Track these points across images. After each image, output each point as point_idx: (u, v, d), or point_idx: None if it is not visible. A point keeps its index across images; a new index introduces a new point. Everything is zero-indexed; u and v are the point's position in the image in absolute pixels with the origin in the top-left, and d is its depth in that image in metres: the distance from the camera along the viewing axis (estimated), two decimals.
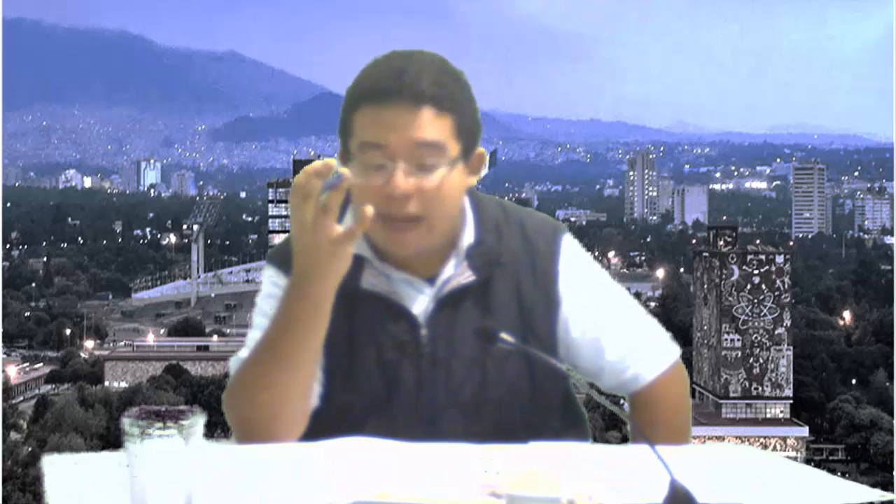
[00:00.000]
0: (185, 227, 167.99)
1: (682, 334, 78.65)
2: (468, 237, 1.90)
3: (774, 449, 66.39)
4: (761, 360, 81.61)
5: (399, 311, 1.88)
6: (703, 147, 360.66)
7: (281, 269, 1.88)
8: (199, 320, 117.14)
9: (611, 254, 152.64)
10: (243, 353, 1.85)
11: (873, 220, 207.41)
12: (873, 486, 1.54)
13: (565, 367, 1.91)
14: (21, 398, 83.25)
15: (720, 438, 63.85)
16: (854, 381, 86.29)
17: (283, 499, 1.45)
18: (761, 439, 72.35)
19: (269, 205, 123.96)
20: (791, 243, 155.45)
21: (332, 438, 1.68)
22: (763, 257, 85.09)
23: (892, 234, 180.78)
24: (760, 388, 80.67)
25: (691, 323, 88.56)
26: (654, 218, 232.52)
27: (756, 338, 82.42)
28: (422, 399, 1.87)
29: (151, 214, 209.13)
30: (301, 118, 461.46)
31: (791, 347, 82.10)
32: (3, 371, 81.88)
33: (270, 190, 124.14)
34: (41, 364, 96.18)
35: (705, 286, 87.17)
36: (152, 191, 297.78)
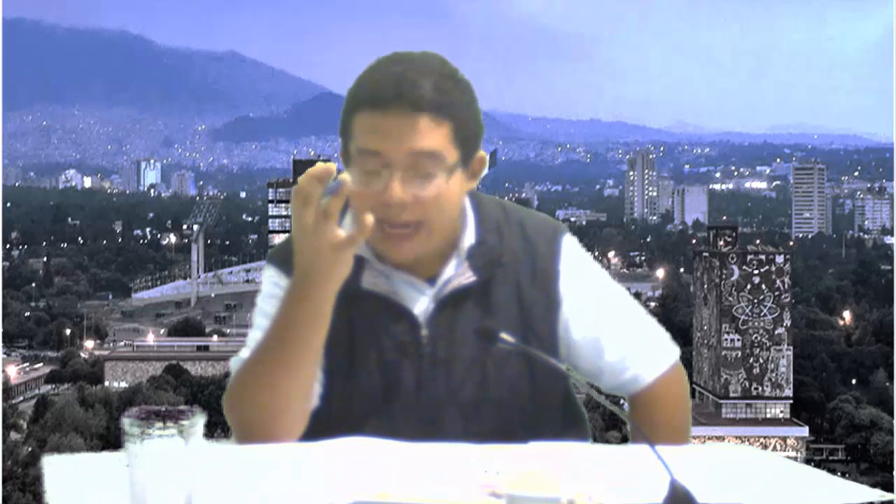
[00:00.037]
0: (185, 227, 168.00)
1: (682, 334, 78.66)
2: (469, 238, 1.90)
3: (774, 449, 66.40)
4: (761, 360, 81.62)
5: (399, 312, 1.88)
6: (703, 147, 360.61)
7: (282, 270, 1.88)
8: (199, 320, 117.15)
9: (611, 254, 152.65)
10: (244, 353, 1.85)
11: (873, 220, 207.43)
12: (873, 486, 1.54)
13: (565, 368, 1.91)
14: (21, 398, 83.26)
15: (720, 438, 63.86)
16: (854, 381, 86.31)
17: (283, 499, 1.45)
18: (761, 439, 72.36)
19: (269, 205, 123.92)
20: (791, 243, 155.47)
21: (332, 438, 1.68)
22: (763, 257, 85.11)
23: (892, 234, 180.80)
24: (760, 388, 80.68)
25: (691, 323, 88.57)
26: (654, 218, 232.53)
27: (756, 338, 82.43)
28: (422, 399, 1.87)
29: (151, 214, 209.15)
30: (301, 118, 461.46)
31: (791, 347, 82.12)
32: (3, 371, 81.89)
33: (270, 190, 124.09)
34: (41, 364, 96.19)
35: (705, 286, 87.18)
36: (152, 191, 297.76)
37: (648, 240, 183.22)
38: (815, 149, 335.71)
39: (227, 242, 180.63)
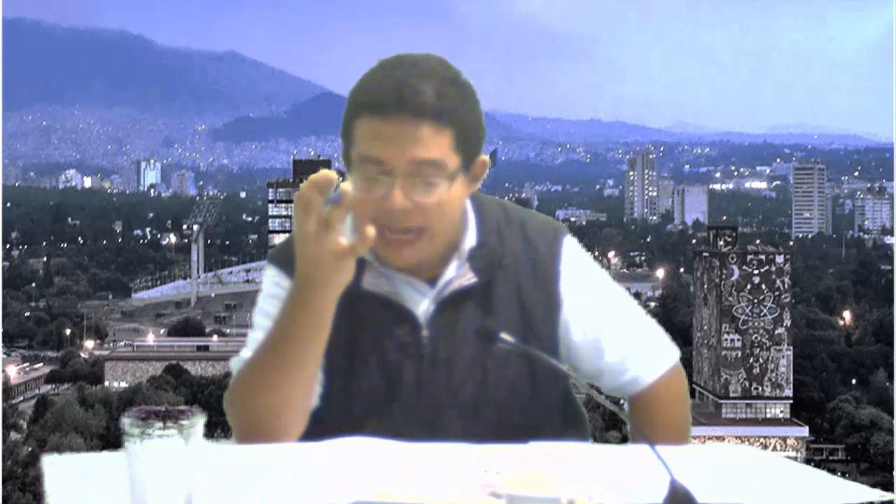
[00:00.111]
0: (185, 227, 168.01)
1: (682, 334, 78.69)
2: (470, 240, 1.90)
3: (774, 449, 66.39)
4: (761, 360, 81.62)
5: (400, 313, 1.88)
6: (703, 147, 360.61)
7: (282, 270, 1.88)
8: (199, 320, 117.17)
9: (611, 254, 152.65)
10: (245, 353, 1.85)
11: (873, 220, 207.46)
12: (873, 486, 1.54)
13: (566, 368, 1.90)
14: (21, 398, 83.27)
15: (720, 438, 63.85)
16: (854, 381, 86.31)
17: (283, 499, 1.45)
18: (761, 439, 72.35)
19: (269, 205, 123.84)
20: (791, 243, 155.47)
21: (332, 438, 1.69)
22: (763, 257, 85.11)
23: (892, 234, 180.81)
24: (760, 388, 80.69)
25: (691, 323, 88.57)
26: (654, 218, 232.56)
27: (756, 338, 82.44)
28: (422, 399, 1.87)
29: (151, 214, 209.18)
30: (301, 118, 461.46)
31: (791, 347, 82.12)
32: (3, 371, 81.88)
33: (270, 190, 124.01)
34: (41, 364, 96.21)
35: (705, 286, 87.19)
36: (152, 191, 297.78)
37: (648, 240, 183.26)
38: (815, 149, 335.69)
39: (227, 242, 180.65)
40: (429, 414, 1.86)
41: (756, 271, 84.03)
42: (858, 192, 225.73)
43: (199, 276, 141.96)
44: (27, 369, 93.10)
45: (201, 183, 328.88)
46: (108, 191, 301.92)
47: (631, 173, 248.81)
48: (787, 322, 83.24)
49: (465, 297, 1.89)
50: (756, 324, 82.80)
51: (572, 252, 1.98)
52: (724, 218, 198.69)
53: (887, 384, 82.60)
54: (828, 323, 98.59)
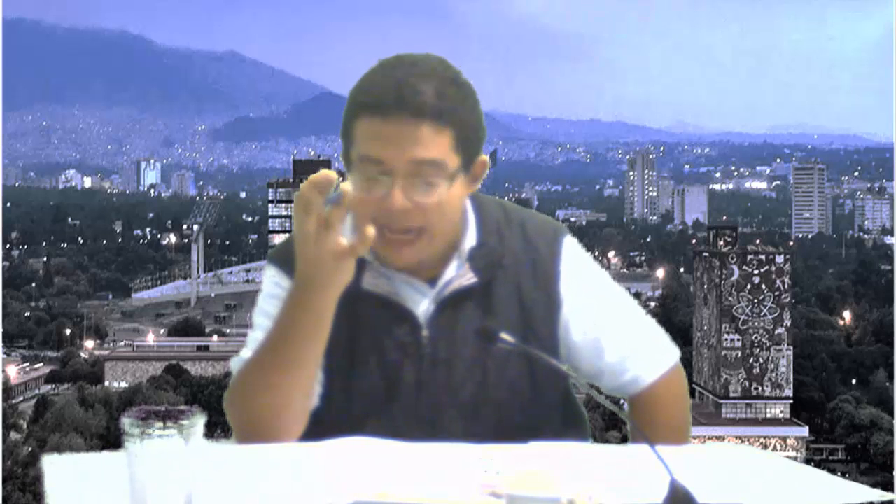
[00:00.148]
0: (185, 227, 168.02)
1: (682, 334, 78.69)
2: (470, 240, 1.91)
3: (774, 449, 66.39)
4: (761, 360, 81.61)
5: (400, 313, 1.88)
6: (703, 147, 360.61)
7: (282, 270, 1.88)
8: (199, 320, 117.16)
9: (611, 254, 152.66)
10: (245, 352, 1.85)
11: (873, 220, 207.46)
12: (873, 486, 1.54)
13: (566, 368, 1.90)
14: (21, 398, 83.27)
15: (720, 438, 63.85)
16: (854, 381, 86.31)
17: (283, 499, 1.45)
18: (761, 439, 72.35)
19: (269, 205, 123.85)
20: (791, 243, 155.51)
21: (332, 438, 1.69)
22: (763, 257, 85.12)
23: (892, 234, 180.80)
24: (760, 388, 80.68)
25: (691, 323, 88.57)
26: (654, 218, 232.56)
27: (756, 338, 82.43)
28: (422, 399, 1.87)
29: (151, 214, 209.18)
30: (301, 118, 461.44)
31: (791, 347, 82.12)
32: (3, 371, 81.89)
33: (270, 190, 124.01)
34: (41, 364, 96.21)
35: (705, 286, 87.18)
36: (152, 191, 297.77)
37: (648, 240, 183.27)
38: (815, 149, 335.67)
39: (227, 242, 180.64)
40: (429, 414, 1.86)
41: (756, 271, 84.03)
42: (858, 192, 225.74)
43: (199, 276, 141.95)
44: (27, 369, 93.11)
45: (201, 183, 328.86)
46: (108, 191, 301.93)
47: (631, 173, 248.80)
48: (787, 322, 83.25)
49: (465, 297, 1.89)
50: (756, 324, 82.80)
51: (572, 252, 1.98)
52: (724, 218, 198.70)
53: (887, 384, 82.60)
54: (828, 323, 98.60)
